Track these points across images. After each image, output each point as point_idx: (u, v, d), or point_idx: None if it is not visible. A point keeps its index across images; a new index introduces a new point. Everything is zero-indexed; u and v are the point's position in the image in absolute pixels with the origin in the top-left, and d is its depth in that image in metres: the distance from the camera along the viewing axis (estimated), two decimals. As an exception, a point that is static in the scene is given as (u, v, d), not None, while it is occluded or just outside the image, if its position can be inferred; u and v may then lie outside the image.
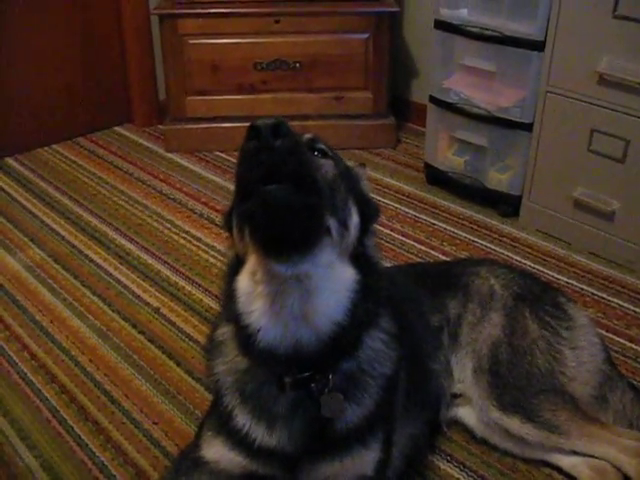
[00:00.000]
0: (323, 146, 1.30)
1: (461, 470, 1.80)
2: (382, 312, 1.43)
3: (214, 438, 1.46)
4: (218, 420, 1.44)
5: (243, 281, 1.28)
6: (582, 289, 2.53)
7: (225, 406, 1.41)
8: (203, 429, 1.53)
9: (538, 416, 1.72)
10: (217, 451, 1.45)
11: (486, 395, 1.77)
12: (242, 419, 1.38)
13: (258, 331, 1.26)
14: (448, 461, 1.83)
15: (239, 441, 1.39)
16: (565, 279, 2.59)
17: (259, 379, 1.35)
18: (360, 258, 1.31)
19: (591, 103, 2.57)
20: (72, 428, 1.92)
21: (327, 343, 1.26)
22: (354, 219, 1.29)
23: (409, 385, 1.64)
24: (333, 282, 1.25)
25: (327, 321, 1.25)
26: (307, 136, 1.30)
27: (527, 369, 1.76)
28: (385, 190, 3.23)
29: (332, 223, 1.21)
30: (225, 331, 1.42)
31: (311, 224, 1.17)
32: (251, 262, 1.25)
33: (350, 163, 1.45)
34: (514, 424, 1.73)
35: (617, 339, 2.27)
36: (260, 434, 1.36)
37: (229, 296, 1.31)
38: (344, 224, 1.25)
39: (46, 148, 3.66)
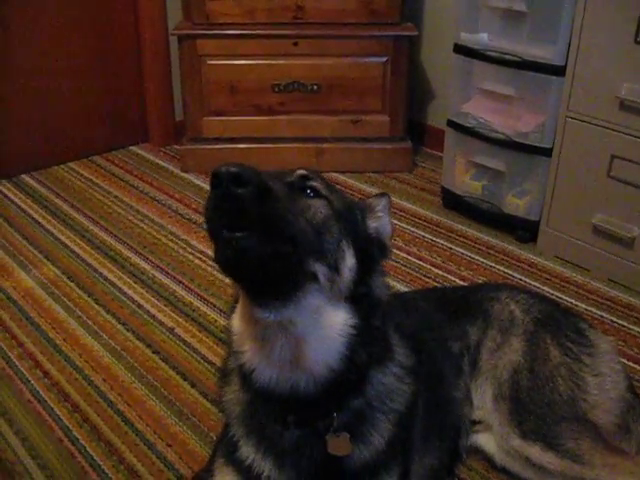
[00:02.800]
0: (316, 184, 1.23)
1: (480, 499, 1.76)
2: (396, 345, 1.40)
3: (225, 466, 1.43)
4: (227, 448, 1.41)
5: (236, 320, 1.27)
6: (602, 316, 2.50)
7: (231, 436, 1.38)
8: (216, 455, 1.50)
9: (560, 444, 1.68)
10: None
11: (506, 422, 1.74)
12: (247, 451, 1.35)
13: (253, 371, 1.23)
14: (467, 490, 1.79)
15: (247, 473, 1.35)
16: (584, 306, 2.56)
17: (263, 414, 1.32)
18: (362, 299, 1.26)
19: (612, 129, 2.56)
20: (84, 448, 1.90)
21: (325, 386, 1.22)
22: (348, 262, 1.23)
23: (428, 415, 1.60)
24: (322, 328, 1.20)
25: (321, 366, 1.21)
26: (299, 173, 1.24)
27: (548, 396, 1.72)
28: (401, 214, 3.21)
29: (318, 268, 1.16)
30: (233, 360, 1.39)
31: (287, 271, 1.12)
32: (241, 302, 1.23)
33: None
34: (535, 452, 1.69)
35: (639, 368, 2.23)
36: (267, 469, 1.32)
37: (227, 332, 1.31)
38: (335, 268, 1.19)
39: (62, 166, 3.67)
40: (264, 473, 1.32)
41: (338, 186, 3.45)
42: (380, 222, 1.39)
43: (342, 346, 1.22)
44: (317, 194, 1.22)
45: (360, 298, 1.25)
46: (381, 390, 1.34)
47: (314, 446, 1.29)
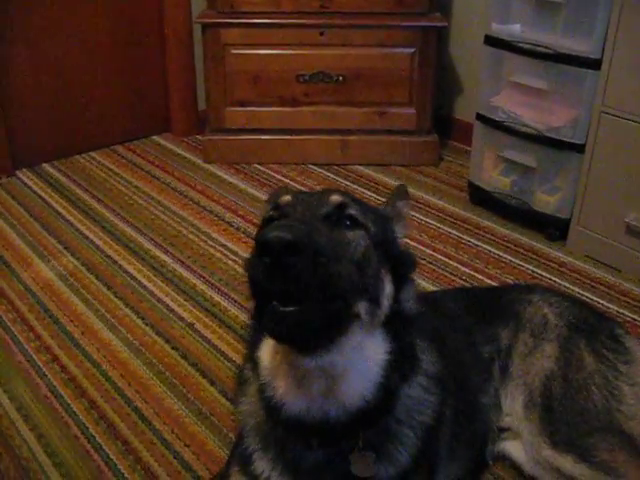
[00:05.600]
0: (353, 212, 1.16)
1: (508, 510, 1.70)
2: (422, 352, 1.33)
3: (241, 475, 1.36)
4: (242, 459, 1.35)
5: (265, 352, 1.21)
6: (634, 319, 2.41)
7: (245, 447, 1.32)
8: (231, 462, 1.44)
9: (593, 456, 1.60)
10: None
11: (537, 431, 1.67)
12: (261, 466, 1.28)
13: (283, 405, 1.18)
14: (495, 500, 1.73)
15: None
16: (615, 308, 2.47)
17: (283, 435, 1.25)
18: (395, 318, 1.20)
19: (648, 125, 2.47)
20: (101, 446, 1.86)
21: (357, 414, 1.17)
22: (387, 290, 1.18)
23: (455, 423, 1.54)
24: (362, 363, 1.15)
25: (356, 399, 1.16)
26: (334, 200, 1.16)
27: (582, 405, 1.65)
28: (427, 209, 3.13)
29: (361, 307, 1.10)
30: (253, 377, 1.32)
31: (335, 322, 1.06)
32: (275, 344, 1.16)
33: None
34: (567, 464, 1.62)
35: (673, 375, 2.14)
36: None
37: (251, 359, 1.25)
38: (376, 301, 1.14)
39: (84, 155, 3.63)
40: None
41: (363, 180, 3.40)
42: (405, 228, 1.34)
43: (378, 375, 1.17)
44: (355, 223, 1.15)
45: (392, 318, 1.19)
46: (408, 404, 1.27)
47: (337, 466, 1.22)
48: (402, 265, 1.25)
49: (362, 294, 1.10)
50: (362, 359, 1.15)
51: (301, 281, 0.97)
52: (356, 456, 1.21)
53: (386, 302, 1.17)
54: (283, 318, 1.00)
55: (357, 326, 1.10)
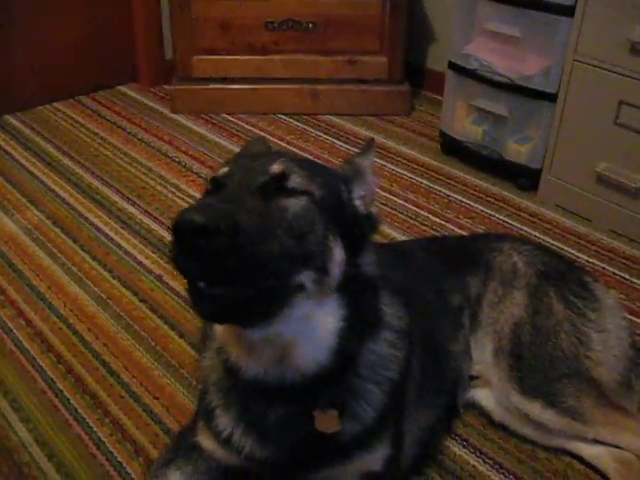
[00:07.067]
0: (295, 180, 1.10)
1: (477, 457, 1.71)
2: (387, 306, 1.31)
3: (206, 429, 1.36)
4: (206, 414, 1.35)
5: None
6: (604, 268, 2.43)
7: (208, 402, 1.32)
8: (198, 414, 1.44)
9: (561, 402, 1.62)
10: (210, 444, 1.37)
11: (506, 378, 1.68)
12: (224, 423, 1.28)
13: (239, 368, 1.18)
14: (464, 447, 1.74)
15: (226, 444, 1.29)
16: (585, 257, 2.48)
17: (245, 392, 1.25)
18: (352, 282, 1.16)
19: (621, 74, 2.44)
20: (68, 401, 1.83)
21: (315, 377, 1.17)
22: (337, 257, 1.12)
23: (424, 373, 1.54)
24: (313, 331, 1.13)
25: (310, 364, 1.16)
26: (274, 169, 1.10)
27: (551, 352, 1.66)
28: (398, 159, 3.10)
29: (305, 277, 1.06)
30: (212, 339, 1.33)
31: (272, 296, 1.03)
32: None
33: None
34: (535, 409, 1.64)
35: (640, 322, 2.17)
36: (248, 446, 1.26)
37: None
38: (324, 270, 1.10)
39: (47, 106, 3.53)
40: (245, 449, 1.26)
41: (333, 130, 3.35)
42: (368, 187, 1.27)
43: (332, 342, 1.16)
44: (295, 191, 1.09)
45: (348, 282, 1.16)
46: (373, 359, 1.27)
47: (300, 423, 1.22)
48: (360, 228, 1.21)
49: (305, 264, 1.06)
50: (313, 328, 1.13)
51: (218, 264, 0.94)
52: (319, 413, 1.20)
53: (336, 269, 1.12)
54: (208, 299, 0.98)
55: (303, 297, 1.07)
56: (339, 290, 1.14)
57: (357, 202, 1.23)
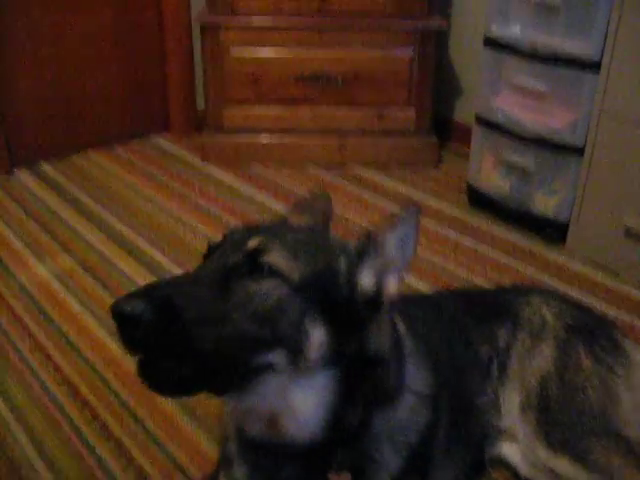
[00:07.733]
0: (269, 258, 1.06)
1: (504, 513, 1.68)
2: (413, 365, 1.30)
3: (226, 478, 1.35)
4: (225, 461, 1.35)
5: None
6: (632, 322, 2.40)
7: (227, 450, 1.32)
8: (219, 462, 1.43)
9: (589, 458, 1.58)
10: None
11: (533, 432, 1.64)
12: (240, 472, 1.27)
13: (242, 427, 1.19)
14: (490, 503, 1.71)
15: None
16: (614, 311, 2.45)
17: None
18: (350, 355, 1.13)
19: (648, 127, 2.45)
20: (94, 449, 1.84)
21: (314, 445, 1.15)
22: (315, 338, 1.07)
23: (451, 428, 1.52)
24: (294, 405, 1.11)
25: (304, 434, 1.14)
26: (249, 247, 1.08)
27: (579, 407, 1.63)
28: (425, 211, 3.12)
29: (274, 356, 1.05)
30: None
31: (226, 374, 1.04)
32: None
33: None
34: (563, 465, 1.60)
35: (672, 378, 2.13)
36: None
37: None
38: (296, 350, 1.07)
39: (81, 154, 3.61)
40: None
41: (361, 182, 3.37)
42: (385, 262, 1.18)
43: (323, 415, 1.13)
44: (270, 271, 1.06)
45: (343, 358, 1.12)
46: (392, 426, 1.24)
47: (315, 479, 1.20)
48: (359, 309, 1.15)
49: (271, 347, 1.05)
50: (293, 403, 1.11)
51: (152, 347, 0.98)
52: (333, 475, 1.18)
53: (314, 353, 1.08)
54: (147, 375, 1.00)
55: (272, 376, 1.07)
56: (329, 366, 1.11)
57: (365, 280, 1.16)
